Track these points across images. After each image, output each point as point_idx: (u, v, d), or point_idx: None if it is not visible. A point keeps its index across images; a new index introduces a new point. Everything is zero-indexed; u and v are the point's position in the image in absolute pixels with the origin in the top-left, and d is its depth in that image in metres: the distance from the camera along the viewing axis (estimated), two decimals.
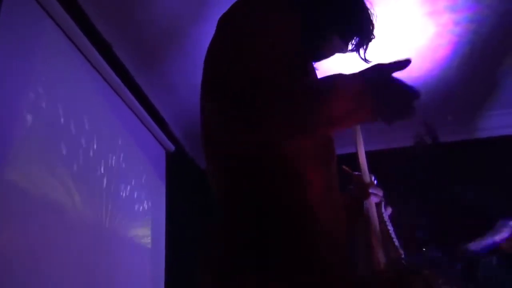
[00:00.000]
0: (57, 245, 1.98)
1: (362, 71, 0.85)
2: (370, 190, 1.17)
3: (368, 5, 1.14)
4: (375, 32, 1.15)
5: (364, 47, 1.15)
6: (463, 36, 3.01)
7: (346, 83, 0.83)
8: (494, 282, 3.31)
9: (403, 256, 1.21)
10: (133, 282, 2.76)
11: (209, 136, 0.98)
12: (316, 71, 1.10)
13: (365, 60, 1.14)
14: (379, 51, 3.01)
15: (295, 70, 0.90)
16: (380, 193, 1.19)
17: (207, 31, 2.81)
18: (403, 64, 0.82)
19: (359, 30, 1.12)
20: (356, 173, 1.22)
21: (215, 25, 1.00)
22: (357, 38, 1.13)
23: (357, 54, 1.15)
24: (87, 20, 2.54)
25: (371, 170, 1.23)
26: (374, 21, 1.14)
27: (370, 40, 1.15)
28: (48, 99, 2.07)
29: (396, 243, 1.24)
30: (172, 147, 3.66)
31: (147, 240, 3.05)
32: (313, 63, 1.12)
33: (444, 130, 4.09)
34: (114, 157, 2.66)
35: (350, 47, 1.15)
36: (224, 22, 0.96)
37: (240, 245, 0.88)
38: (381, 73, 0.82)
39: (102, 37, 2.69)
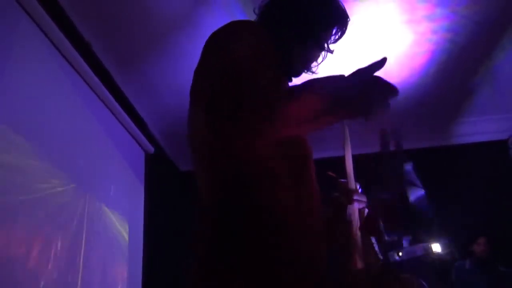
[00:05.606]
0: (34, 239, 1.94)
1: (342, 74, 0.90)
2: (355, 197, 1.19)
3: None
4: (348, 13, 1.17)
5: (342, 31, 1.17)
6: (440, 44, 3.09)
7: (322, 83, 0.90)
8: (467, 285, 3.41)
9: (381, 261, 1.24)
10: (110, 284, 2.72)
11: (193, 137, 1.03)
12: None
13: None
14: (358, 57, 3.10)
15: (272, 76, 0.96)
16: (364, 199, 1.22)
17: (189, 34, 2.83)
18: (380, 63, 0.86)
19: (326, 24, 1.14)
20: (342, 180, 1.24)
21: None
22: (334, 29, 1.16)
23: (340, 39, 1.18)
24: (65, 18, 2.49)
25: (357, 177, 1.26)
26: (339, 5, 1.16)
27: (345, 23, 1.17)
28: (24, 97, 2.02)
29: (376, 248, 1.26)
30: (151, 149, 3.62)
31: (124, 243, 3.00)
32: (295, 75, 1.16)
33: (419, 136, 4.18)
34: (91, 158, 2.61)
35: (332, 40, 1.17)
36: (209, 40, 1.04)
37: (216, 247, 0.92)
38: (360, 73, 0.87)
39: (81, 35, 2.65)
